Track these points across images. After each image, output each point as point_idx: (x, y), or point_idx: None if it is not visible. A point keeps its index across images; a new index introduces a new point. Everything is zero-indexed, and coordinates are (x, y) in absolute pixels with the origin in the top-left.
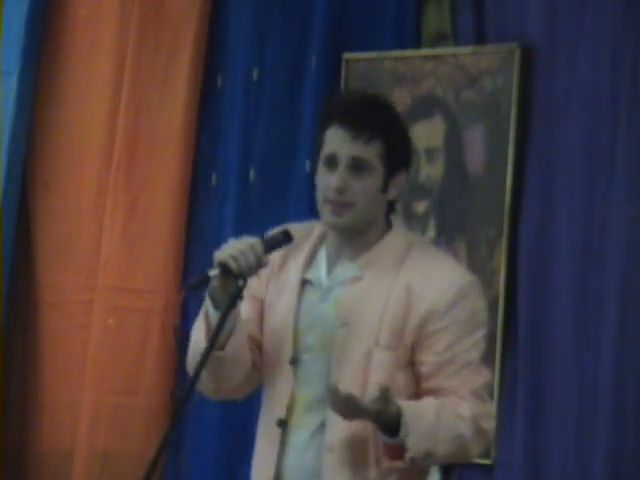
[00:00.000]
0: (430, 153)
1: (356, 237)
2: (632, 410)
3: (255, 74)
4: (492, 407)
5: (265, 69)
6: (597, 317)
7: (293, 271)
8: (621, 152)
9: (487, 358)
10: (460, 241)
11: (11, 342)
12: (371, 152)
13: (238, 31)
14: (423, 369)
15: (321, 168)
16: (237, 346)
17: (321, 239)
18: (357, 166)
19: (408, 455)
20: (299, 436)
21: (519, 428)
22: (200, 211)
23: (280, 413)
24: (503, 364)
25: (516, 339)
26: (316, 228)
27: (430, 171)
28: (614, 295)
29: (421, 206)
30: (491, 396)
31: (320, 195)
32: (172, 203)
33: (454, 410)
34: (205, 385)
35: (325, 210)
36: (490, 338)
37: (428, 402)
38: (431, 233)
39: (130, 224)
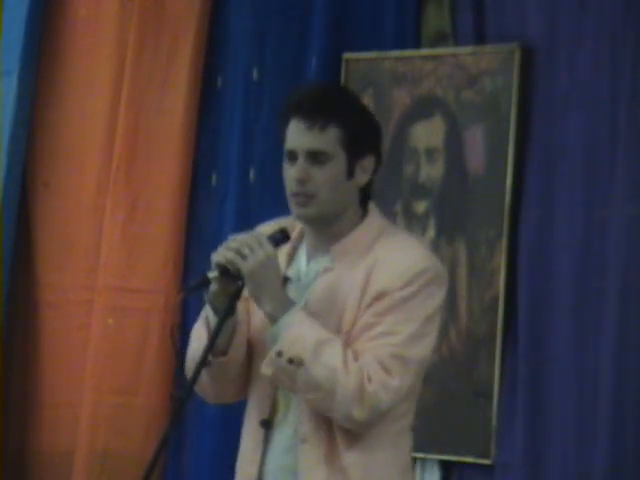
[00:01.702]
0: (430, 153)
1: (329, 227)
2: (632, 410)
3: (255, 74)
4: (394, 381)
5: (265, 69)
6: (597, 317)
7: None
8: (621, 152)
9: (487, 358)
10: (460, 241)
11: (11, 342)
12: (328, 140)
13: (238, 31)
14: (353, 334)
15: (285, 163)
16: (238, 350)
17: (302, 235)
18: (315, 157)
19: (276, 348)
20: (282, 435)
21: (519, 428)
22: (200, 211)
23: (263, 413)
24: (503, 364)
25: (516, 339)
26: (297, 224)
27: (430, 171)
28: (614, 295)
29: (421, 206)
30: (491, 395)
31: (287, 189)
32: (172, 203)
33: (347, 354)
34: (206, 390)
35: (292, 203)
36: (490, 338)
37: (327, 330)
38: (431, 233)
39: (130, 224)
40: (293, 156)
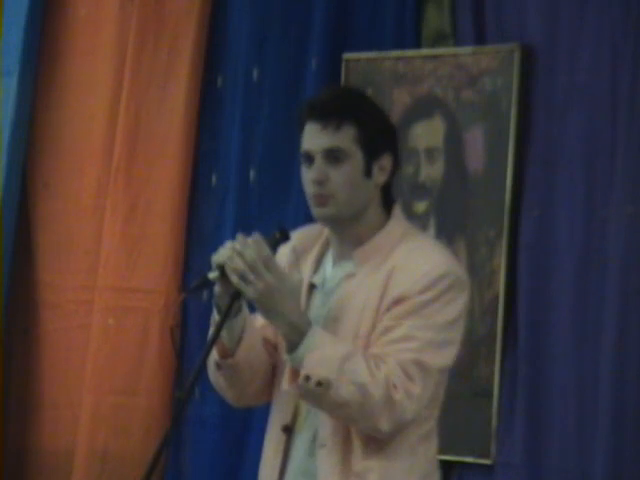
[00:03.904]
0: (430, 153)
1: (351, 230)
2: (632, 410)
3: (255, 74)
4: (417, 389)
5: (265, 69)
6: (597, 317)
7: (303, 275)
8: (621, 152)
9: (487, 358)
10: (460, 241)
11: (11, 342)
12: (344, 138)
13: (238, 31)
14: (371, 338)
15: (303, 167)
16: (249, 351)
17: (328, 241)
18: (332, 156)
19: (302, 373)
20: (303, 440)
21: (519, 428)
22: (200, 211)
23: (285, 419)
24: (503, 364)
25: (516, 339)
26: (325, 230)
27: (430, 171)
28: (614, 295)
29: (421, 206)
30: (491, 395)
31: (307, 193)
32: (172, 203)
33: (370, 364)
34: (225, 392)
35: (311, 204)
36: (490, 338)
37: (348, 342)
38: (431, 233)
39: (130, 224)
40: (309, 158)
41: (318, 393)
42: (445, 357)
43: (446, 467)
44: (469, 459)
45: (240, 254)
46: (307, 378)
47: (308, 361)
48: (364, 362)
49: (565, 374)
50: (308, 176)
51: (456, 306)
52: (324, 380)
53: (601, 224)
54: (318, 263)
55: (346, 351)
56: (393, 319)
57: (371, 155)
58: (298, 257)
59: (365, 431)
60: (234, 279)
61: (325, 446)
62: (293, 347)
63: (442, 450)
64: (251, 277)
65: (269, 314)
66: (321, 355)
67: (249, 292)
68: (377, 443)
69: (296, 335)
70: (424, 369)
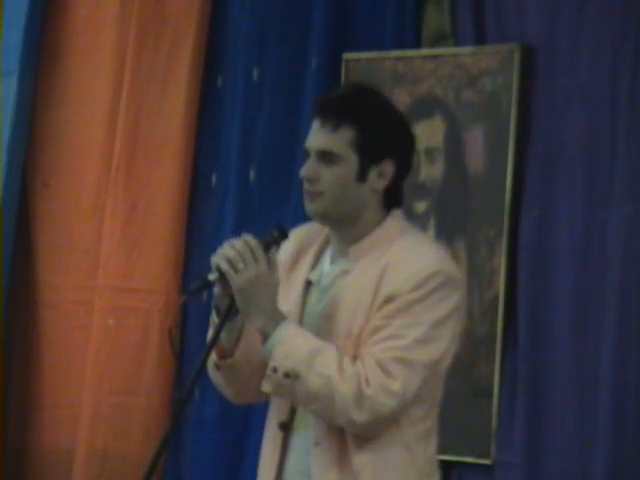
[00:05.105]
0: (430, 153)
1: (347, 230)
2: (632, 410)
3: (255, 74)
4: (396, 385)
5: (265, 69)
6: (597, 317)
7: (301, 271)
8: (621, 152)
9: (487, 358)
10: (460, 241)
11: (11, 342)
12: (339, 140)
13: (238, 31)
14: (362, 337)
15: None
16: (247, 350)
17: (328, 239)
18: (324, 157)
19: (271, 364)
20: (300, 438)
21: (519, 428)
22: (200, 211)
23: (282, 416)
24: (503, 364)
25: (516, 339)
26: (325, 228)
27: (430, 171)
28: (614, 295)
29: (421, 206)
30: (491, 395)
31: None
32: (172, 203)
33: (341, 360)
34: (225, 391)
35: (304, 199)
36: (490, 338)
37: (320, 339)
38: (431, 233)
39: (130, 224)
40: (307, 154)
41: (286, 385)
42: (431, 352)
43: (446, 467)
44: (469, 459)
45: (231, 244)
46: (274, 370)
47: (277, 353)
48: (335, 358)
49: (565, 374)
50: (301, 171)
51: (447, 304)
52: (291, 371)
53: (601, 224)
54: (316, 260)
55: (317, 345)
56: (383, 318)
57: (369, 160)
58: (299, 253)
59: (345, 427)
60: (224, 265)
61: (320, 444)
62: (267, 341)
63: (442, 450)
64: (240, 265)
65: (249, 305)
66: (290, 347)
67: (236, 281)
68: (370, 441)
69: (271, 327)
70: (407, 366)
